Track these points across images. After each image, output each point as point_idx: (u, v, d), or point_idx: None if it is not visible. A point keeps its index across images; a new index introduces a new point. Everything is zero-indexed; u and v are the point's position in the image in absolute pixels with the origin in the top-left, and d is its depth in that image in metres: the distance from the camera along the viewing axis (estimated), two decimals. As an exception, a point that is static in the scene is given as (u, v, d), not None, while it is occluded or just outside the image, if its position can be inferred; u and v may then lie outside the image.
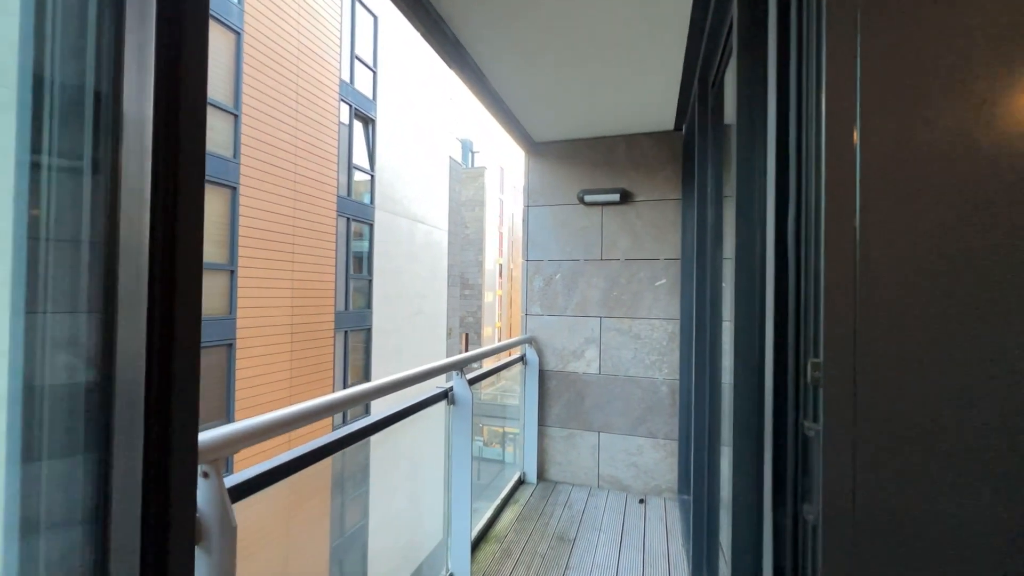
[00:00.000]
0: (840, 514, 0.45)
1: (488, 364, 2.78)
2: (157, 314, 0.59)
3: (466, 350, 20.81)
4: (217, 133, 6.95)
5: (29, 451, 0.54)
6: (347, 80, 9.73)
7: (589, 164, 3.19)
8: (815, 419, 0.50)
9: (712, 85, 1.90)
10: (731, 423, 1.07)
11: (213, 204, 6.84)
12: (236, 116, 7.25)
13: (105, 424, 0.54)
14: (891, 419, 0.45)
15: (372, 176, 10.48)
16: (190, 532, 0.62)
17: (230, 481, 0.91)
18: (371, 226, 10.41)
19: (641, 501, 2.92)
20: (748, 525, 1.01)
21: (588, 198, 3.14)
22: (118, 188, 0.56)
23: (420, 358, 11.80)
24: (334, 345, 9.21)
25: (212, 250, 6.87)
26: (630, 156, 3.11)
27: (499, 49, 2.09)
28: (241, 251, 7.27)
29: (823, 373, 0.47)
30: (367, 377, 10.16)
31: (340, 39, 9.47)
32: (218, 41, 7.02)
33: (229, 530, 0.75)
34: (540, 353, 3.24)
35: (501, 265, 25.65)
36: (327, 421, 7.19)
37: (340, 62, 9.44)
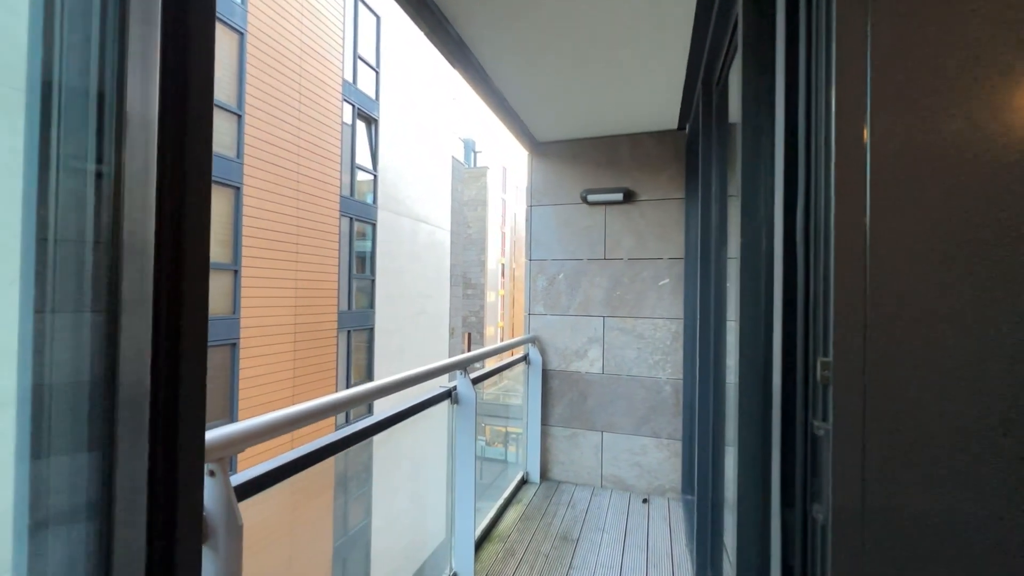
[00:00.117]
0: (850, 513, 0.45)
1: (491, 364, 2.78)
2: (164, 313, 0.59)
3: (468, 350, 20.82)
4: (221, 133, 6.97)
5: (34, 450, 0.55)
6: (350, 80, 9.74)
7: (592, 164, 3.19)
8: (824, 418, 0.49)
9: (716, 84, 1.90)
10: (736, 423, 1.06)
11: (217, 204, 6.87)
12: (240, 116, 7.27)
13: (109, 423, 0.55)
14: (901, 418, 0.45)
15: (375, 176, 10.50)
16: (197, 531, 0.62)
17: (234, 480, 0.91)
18: (374, 226, 10.43)
19: (645, 501, 2.92)
20: (753, 525, 1.00)
21: (591, 197, 3.13)
22: (121, 187, 0.57)
23: (422, 358, 11.81)
24: (337, 345, 9.23)
25: (216, 250, 6.90)
26: (633, 155, 3.10)
27: (502, 48, 2.09)
28: (245, 251, 7.30)
29: (832, 372, 0.46)
30: (370, 377, 10.18)
31: (343, 39, 9.48)
32: (221, 41, 7.04)
33: (235, 529, 0.75)
34: (543, 352, 3.24)
35: (503, 265, 25.65)
36: (330, 421, 7.21)
37: (343, 62, 9.46)
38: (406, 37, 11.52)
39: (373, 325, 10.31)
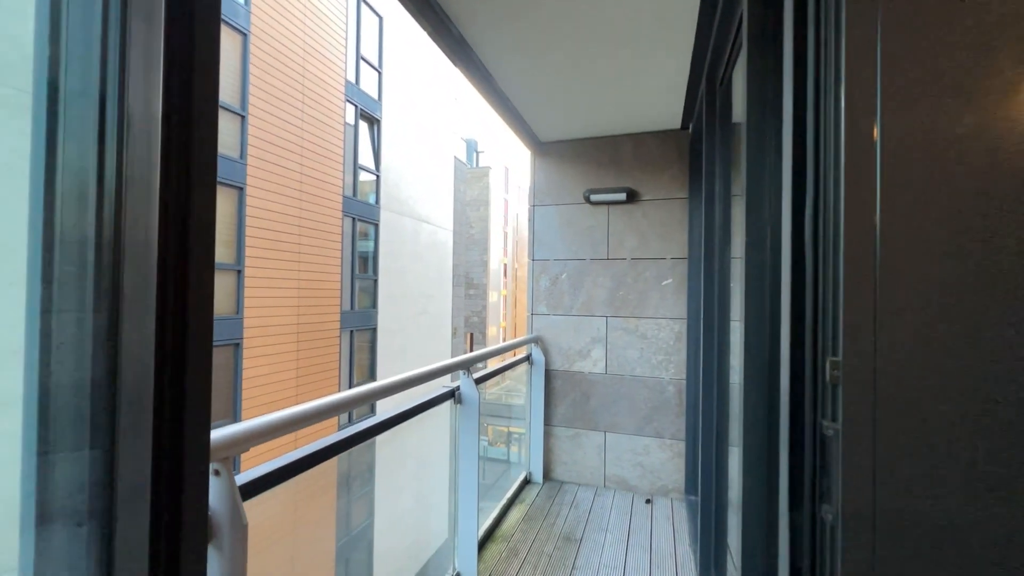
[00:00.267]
0: (860, 513, 0.44)
1: (494, 364, 2.78)
2: (169, 313, 0.59)
3: (471, 350, 20.83)
4: (224, 134, 7.00)
5: (39, 449, 0.55)
6: (353, 81, 9.76)
7: (595, 163, 3.19)
8: (834, 418, 0.49)
9: (720, 83, 1.89)
10: (740, 423, 1.06)
11: (220, 204, 6.88)
12: (243, 117, 7.30)
13: (110, 423, 0.55)
14: (912, 418, 0.44)
15: (377, 176, 10.52)
16: (202, 530, 0.62)
17: (238, 480, 0.91)
18: (376, 226, 10.44)
19: (648, 501, 2.91)
20: (758, 526, 1.00)
21: (594, 197, 3.13)
22: (123, 188, 0.57)
23: (425, 358, 11.83)
24: (340, 345, 9.25)
25: (219, 250, 6.92)
26: (636, 155, 3.10)
27: (505, 48, 2.09)
28: (248, 251, 7.32)
29: (842, 372, 0.46)
30: (372, 376, 10.20)
31: (346, 40, 9.50)
32: (225, 42, 7.06)
33: (240, 528, 0.75)
34: (546, 352, 3.24)
35: (506, 265, 25.66)
36: (333, 421, 7.23)
37: (346, 63, 9.48)
38: (408, 37, 11.53)
39: (376, 325, 10.33)
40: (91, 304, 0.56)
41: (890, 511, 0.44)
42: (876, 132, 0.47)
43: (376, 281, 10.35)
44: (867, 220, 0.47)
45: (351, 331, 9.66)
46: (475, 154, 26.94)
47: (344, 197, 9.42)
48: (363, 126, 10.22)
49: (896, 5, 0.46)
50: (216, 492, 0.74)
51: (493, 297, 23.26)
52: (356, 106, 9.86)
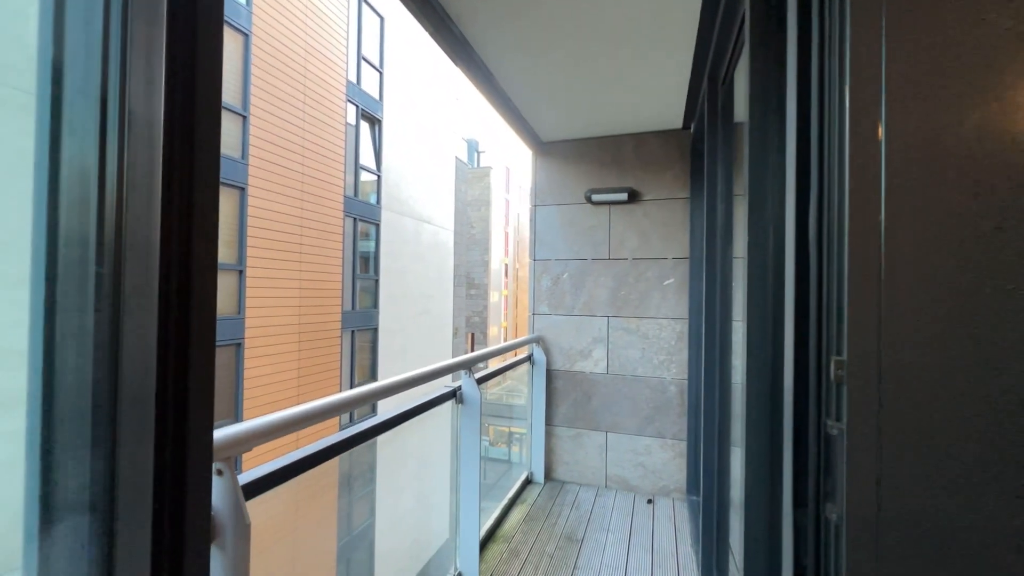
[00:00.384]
0: (864, 513, 0.44)
1: (495, 363, 2.78)
2: (172, 312, 0.59)
3: (472, 350, 20.83)
4: (226, 134, 7.01)
5: (43, 449, 0.55)
6: (354, 81, 9.77)
7: (596, 163, 3.18)
8: (838, 417, 0.49)
9: (722, 82, 1.89)
10: (743, 423, 1.06)
11: (222, 204, 6.86)
12: (244, 117, 7.31)
13: (111, 422, 0.55)
14: (918, 417, 0.44)
15: (378, 176, 10.52)
16: (206, 529, 0.62)
17: (240, 480, 0.91)
18: (377, 226, 10.45)
19: (649, 501, 2.91)
20: (761, 526, 1.00)
21: (596, 197, 3.13)
22: (124, 188, 0.57)
23: (426, 358, 11.83)
24: (341, 345, 9.26)
25: (221, 250, 6.91)
26: (638, 155, 3.09)
27: (506, 47, 2.09)
28: (249, 251, 7.33)
29: (847, 371, 0.46)
30: (374, 376, 10.21)
31: (347, 40, 9.51)
32: (226, 43, 7.08)
33: (243, 527, 0.75)
34: (547, 352, 3.24)
35: (507, 265, 25.66)
36: (334, 421, 7.23)
37: (347, 63, 9.49)
38: (409, 38, 11.54)
39: (377, 325, 10.33)
40: (92, 304, 0.56)
41: (895, 511, 0.44)
42: (881, 131, 0.46)
43: (377, 281, 10.36)
44: (871, 219, 0.47)
45: (352, 331, 9.67)
46: (476, 154, 26.95)
47: (345, 197, 9.42)
48: (364, 126, 10.23)
49: (901, 3, 0.46)
50: (219, 492, 0.74)
51: (494, 297, 23.26)
52: (357, 106, 9.87)
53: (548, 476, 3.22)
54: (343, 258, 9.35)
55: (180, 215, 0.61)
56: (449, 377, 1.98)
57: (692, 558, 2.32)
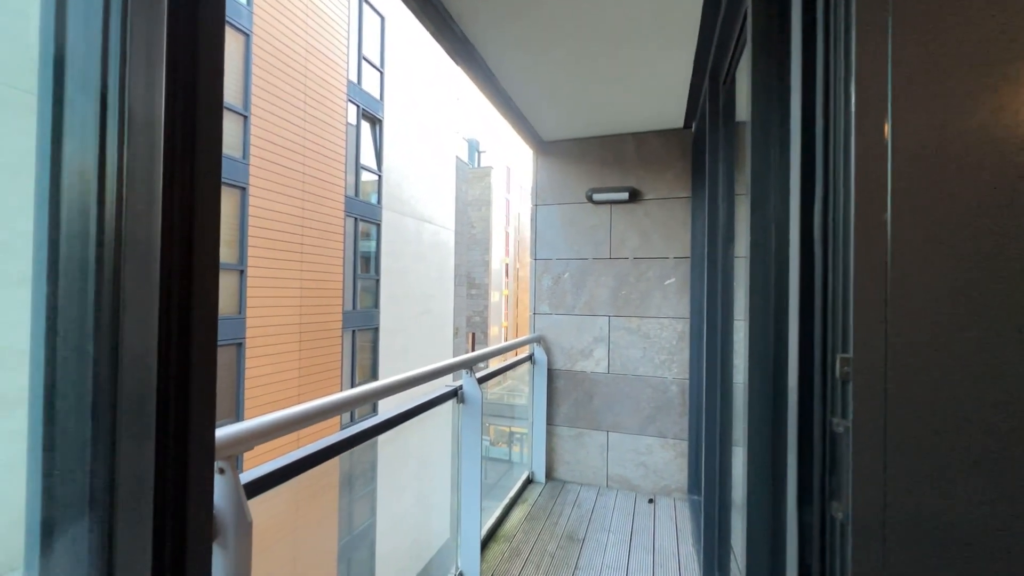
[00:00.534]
0: (870, 512, 0.44)
1: (496, 363, 2.78)
2: (173, 312, 0.59)
3: (472, 349, 20.83)
4: (227, 134, 7.02)
5: (45, 448, 0.55)
6: (355, 81, 9.77)
7: (598, 162, 3.18)
8: (844, 415, 0.49)
9: (724, 81, 1.88)
10: (745, 423, 1.05)
11: (223, 204, 6.88)
12: (246, 117, 7.31)
13: (111, 421, 0.55)
14: (924, 415, 0.44)
15: (379, 176, 10.53)
16: (208, 528, 0.62)
17: (241, 479, 0.91)
18: (378, 226, 10.45)
19: (651, 501, 2.91)
20: (763, 525, 0.99)
21: (597, 196, 3.12)
22: (123, 187, 0.57)
23: (427, 358, 11.83)
24: (342, 344, 9.26)
25: (222, 250, 6.89)
26: (639, 154, 3.09)
27: (507, 46, 2.09)
28: (250, 251, 7.34)
29: (852, 368, 0.45)
30: (374, 376, 10.21)
31: (347, 40, 9.51)
32: (227, 43, 7.08)
33: (245, 526, 0.75)
34: (548, 352, 3.23)
35: (507, 265, 25.66)
36: (335, 420, 7.24)
37: (348, 63, 9.49)
38: (410, 37, 11.54)
39: (378, 325, 10.34)
40: (92, 303, 0.56)
41: (901, 510, 0.44)
42: (887, 129, 0.46)
43: (378, 281, 10.36)
44: (877, 217, 0.46)
45: (353, 331, 9.67)
46: (477, 154, 26.95)
47: (346, 197, 9.43)
48: (365, 126, 10.24)
49: (907, 2, 0.46)
50: (221, 490, 0.74)
51: (495, 297, 23.26)
52: (358, 106, 9.88)
53: (549, 476, 3.22)
54: (344, 258, 9.35)
55: (182, 214, 0.60)
56: (450, 377, 1.98)
57: (694, 558, 2.31)
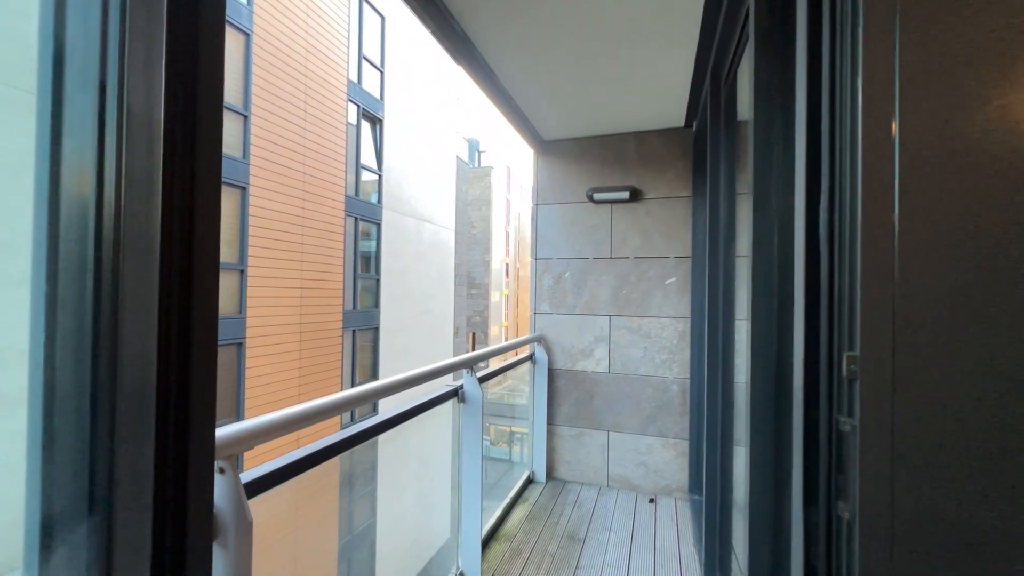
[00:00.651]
0: (877, 511, 0.43)
1: (496, 363, 2.78)
2: (173, 311, 0.59)
3: (473, 349, 20.82)
4: (227, 134, 7.01)
5: (44, 448, 0.55)
6: (355, 80, 9.77)
7: (598, 162, 3.18)
8: (850, 413, 0.48)
9: (725, 80, 1.88)
10: (748, 422, 1.05)
11: (223, 204, 6.88)
12: (246, 117, 7.31)
13: (111, 421, 0.54)
14: (932, 413, 0.43)
15: (379, 176, 10.52)
16: (208, 527, 0.62)
17: (241, 479, 0.91)
18: (379, 225, 10.45)
19: (651, 501, 2.90)
20: (765, 525, 0.99)
21: (597, 196, 3.12)
22: (122, 184, 0.56)
23: (427, 358, 11.83)
24: (342, 344, 9.26)
25: (223, 249, 6.89)
26: (640, 153, 3.08)
27: (508, 45, 2.08)
28: (251, 251, 7.34)
29: (859, 366, 0.45)
30: (375, 376, 10.21)
31: (348, 39, 9.51)
32: (228, 42, 7.07)
33: (245, 526, 0.75)
34: (549, 351, 3.23)
35: (508, 264, 25.66)
36: (335, 420, 7.23)
37: (348, 62, 9.49)
38: (410, 37, 11.53)
39: (378, 325, 10.34)
40: (91, 302, 0.55)
41: (909, 508, 0.43)
42: (894, 128, 0.46)
43: (378, 281, 10.36)
44: (885, 215, 0.46)
45: (353, 331, 9.67)
46: (477, 154, 26.94)
47: (346, 196, 9.43)
48: (365, 126, 10.23)
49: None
50: (221, 490, 0.74)
51: (495, 297, 23.26)
52: (358, 106, 9.87)
53: (550, 475, 3.21)
54: (344, 257, 9.35)
55: (181, 214, 0.60)
56: (450, 376, 1.97)
57: (695, 557, 2.31)
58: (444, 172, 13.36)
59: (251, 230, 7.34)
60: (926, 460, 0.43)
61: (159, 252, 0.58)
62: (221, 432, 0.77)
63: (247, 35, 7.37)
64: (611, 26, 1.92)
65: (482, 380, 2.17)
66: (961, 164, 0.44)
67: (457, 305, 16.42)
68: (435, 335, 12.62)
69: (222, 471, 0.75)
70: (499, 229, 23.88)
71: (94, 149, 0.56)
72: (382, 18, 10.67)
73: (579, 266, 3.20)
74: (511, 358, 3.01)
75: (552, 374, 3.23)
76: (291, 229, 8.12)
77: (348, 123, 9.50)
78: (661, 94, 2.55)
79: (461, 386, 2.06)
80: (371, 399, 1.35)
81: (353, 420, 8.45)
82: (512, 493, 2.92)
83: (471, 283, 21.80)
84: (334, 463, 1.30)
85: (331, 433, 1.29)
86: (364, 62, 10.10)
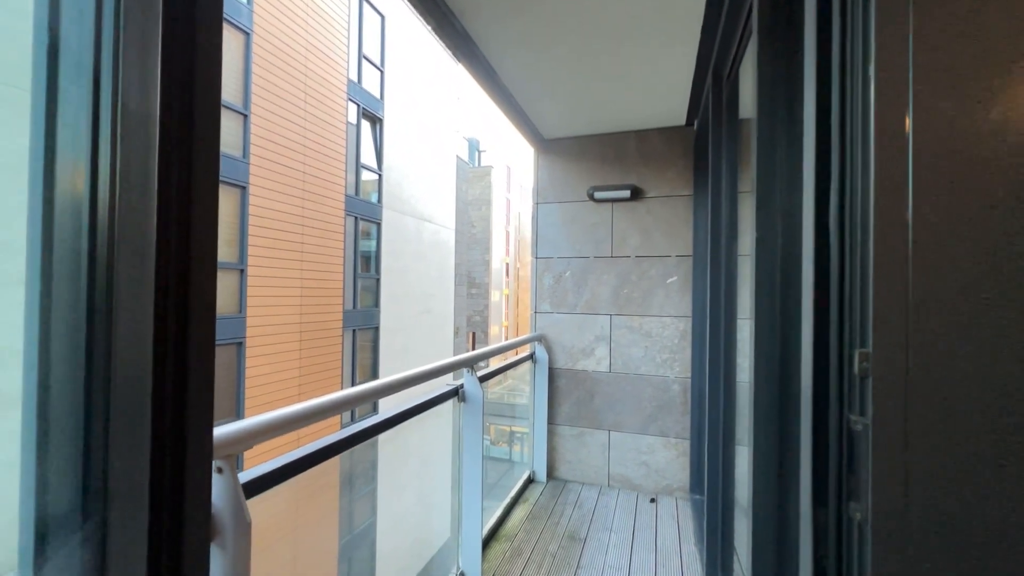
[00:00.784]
0: (891, 512, 0.42)
1: (497, 362, 2.77)
2: (170, 309, 0.58)
3: (473, 349, 20.81)
4: (227, 133, 7.00)
5: (38, 449, 0.54)
6: (355, 80, 9.76)
7: (599, 160, 3.17)
8: (862, 412, 0.47)
9: (727, 78, 1.87)
10: (751, 422, 1.04)
11: (223, 203, 6.86)
12: (246, 116, 7.30)
13: (105, 421, 0.53)
14: (949, 410, 0.42)
15: (380, 175, 10.51)
16: (205, 528, 0.61)
17: (240, 478, 0.90)
18: (379, 225, 10.44)
19: (652, 500, 2.90)
20: (769, 526, 0.98)
21: (598, 195, 3.11)
22: (116, 182, 0.55)
23: (427, 357, 11.82)
24: (342, 344, 9.26)
25: (222, 249, 6.93)
26: (641, 152, 3.07)
27: (509, 43, 2.07)
28: (251, 250, 7.33)
29: (872, 363, 0.44)
30: (375, 376, 10.20)
31: (348, 39, 9.50)
32: (227, 41, 7.06)
33: (244, 526, 0.74)
34: (550, 351, 3.22)
35: (508, 264, 25.65)
36: (335, 419, 7.23)
37: (348, 62, 9.47)
38: (410, 36, 11.52)
39: (378, 324, 10.33)
40: (85, 302, 0.54)
41: (924, 510, 0.42)
42: (908, 123, 0.45)
43: (378, 280, 10.35)
44: (898, 210, 0.45)
45: (354, 330, 9.66)
46: (477, 153, 26.92)
47: (347, 196, 9.42)
48: (365, 125, 10.22)
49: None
50: (219, 490, 0.73)
51: (495, 296, 23.26)
52: (358, 105, 9.86)
53: (550, 475, 3.21)
54: (344, 257, 9.34)
55: (178, 210, 0.59)
56: (451, 375, 1.97)
57: (696, 557, 2.30)
58: (444, 171, 13.35)
59: (251, 229, 7.33)
60: (942, 460, 0.42)
61: (155, 249, 0.57)
62: (219, 432, 0.76)
63: (247, 34, 7.36)
64: (612, 23, 1.91)
65: (482, 379, 2.16)
66: (976, 159, 0.43)
67: (457, 305, 16.42)
68: (435, 335, 12.61)
69: (220, 471, 0.74)
70: (499, 229, 23.88)
71: (88, 145, 0.55)
72: (382, 17, 10.66)
73: (580, 265, 3.19)
74: (511, 357, 3.00)
75: (553, 373, 3.22)
76: (291, 228, 8.11)
77: (348, 122, 9.49)
78: (662, 92, 2.54)
79: (461, 385, 2.05)
80: (371, 398, 1.34)
81: (353, 419, 8.45)
82: (512, 493, 2.91)
83: (471, 283, 21.80)
84: (334, 463, 1.29)
85: (331, 433, 1.28)
86: (364, 61, 10.09)
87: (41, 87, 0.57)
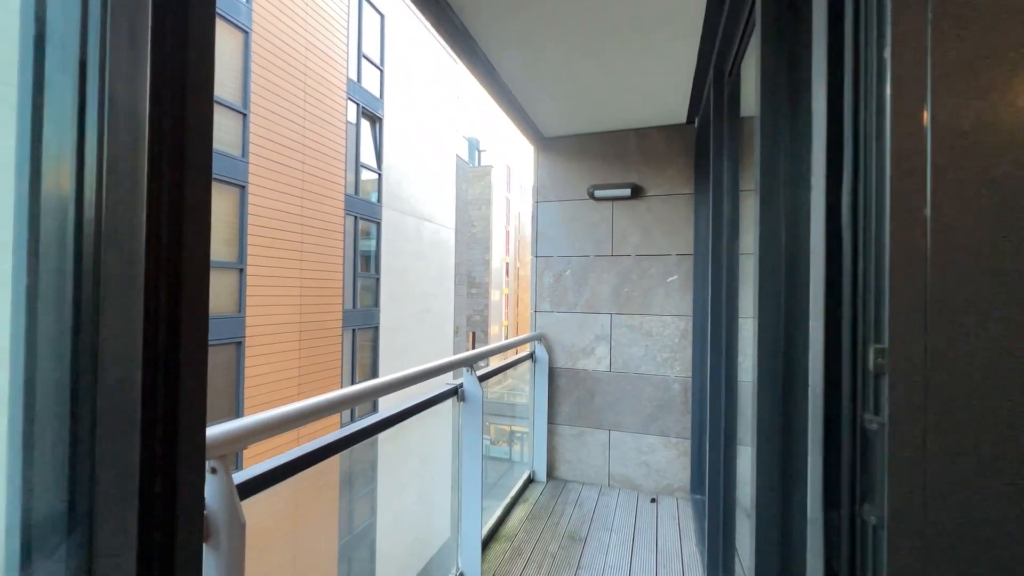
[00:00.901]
0: (908, 514, 0.41)
1: (496, 361, 2.75)
2: (161, 306, 0.57)
3: (473, 348, 20.79)
4: (226, 132, 6.98)
5: (25, 451, 0.53)
6: (354, 79, 9.74)
7: (599, 158, 3.15)
8: (877, 411, 0.46)
9: (728, 75, 1.85)
10: (753, 422, 1.03)
11: (222, 203, 6.87)
12: (245, 115, 7.28)
13: (91, 421, 0.52)
14: (970, 408, 0.40)
15: (379, 174, 10.49)
16: (198, 529, 0.60)
17: (236, 478, 0.89)
18: (378, 224, 10.43)
19: (653, 500, 2.88)
20: (772, 527, 0.97)
21: (598, 193, 3.09)
22: (103, 176, 0.54)
23: (427, 357, 11.81)
24: (342, 343, 9.24)
25: (222, 249, 6.91)
26: (641, 150, 3.06)
27: (509, 40, 2.06)
28: (250, 249, 7.31)
29: (888, 360, 0.42)
30: (375, 375, 10.19)
31: (347, 38, 9.48)
32: (227, 40, 7.04)
33: (238, 527, 0.73)
34: (550, 350, 3.21)
35: (508, 263, 25.64)
36: (335, 419, 7.22)
37: (347, 61, 9.45)
38: (410, 35, 11.50)
39: (378, 324, 10.32)
40: (71, 299, 0.53)
41: (943, 513, 0.41)
42: (926, 118, 0.43)
43: (378, 280, 10.34)
44: (916, 204, 0.43)
45: (353, 330, 9.65)
46: (477, 153, 26.90)
47: (346, 195, 9.40)
48: (365, 124, 10.20)
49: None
50: (212, 491, 0.72)
51: (495, 296, 23.25)
52: (358, 104, 9.84)
53: (551, 475, 3.19)
54: (344, 256, 9.33)
55: (169, 206, 0.58)
56: (450, 375, 1.95)
57: (697, 557, 2.29)
58: (444, 171, 13.34)
59: (250, 229, 7.31)
60: (963, 460, 0.41)
61: (144, 246, 0.55)
62: (212, 431, 0.74)
63: (246, 33, 7.34)
64: (613, 21, 1.89)
65: (482, 379, 2.14)
66: (1000, 155, 0.42)
67: (457, 304, 16.40)
68: (435, 334, 12.60)
69: (214, 471, 0.73)
70: (499, 228, 23.87)
71: (73, 139, 0.54)
72: (382, 16, 10.64)
73: (580, 264, 3.17)
74: (511, 357, 2.98)
75: (553, 373, 3.20)
76: (291, 228, 8.09)
77: (348, 122, 9.48)
78: (663, 89, 2.52)
79: (461, 385, 2.04)
80: (370, 397, 1.33)
81: (353, 419, 8.43)
82: (512, 493, 2.90)
83: (471, 282, 21.79)
84: (334, 462, 1.28)
85: (330, 432, 1.27)
86: (364, 60, 10.07)
87: (28, 79, 0.55)
